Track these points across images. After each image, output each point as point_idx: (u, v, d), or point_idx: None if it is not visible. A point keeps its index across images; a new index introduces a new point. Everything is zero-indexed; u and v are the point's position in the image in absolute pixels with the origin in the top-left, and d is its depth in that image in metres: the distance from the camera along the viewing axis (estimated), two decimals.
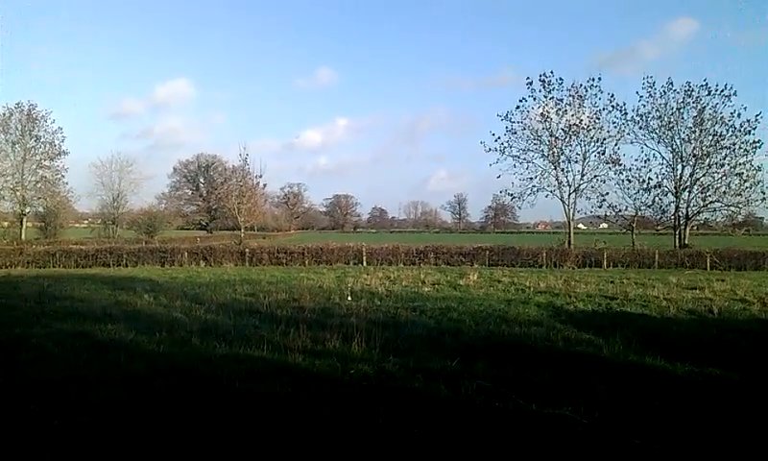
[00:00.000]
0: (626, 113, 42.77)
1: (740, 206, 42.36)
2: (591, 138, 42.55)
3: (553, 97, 42.44)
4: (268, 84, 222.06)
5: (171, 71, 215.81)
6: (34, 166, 56.09)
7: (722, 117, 41.01)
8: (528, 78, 42.90)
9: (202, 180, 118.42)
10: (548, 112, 42.52)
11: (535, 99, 42.90)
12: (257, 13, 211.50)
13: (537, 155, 43.63)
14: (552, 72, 42.64)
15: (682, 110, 41.92)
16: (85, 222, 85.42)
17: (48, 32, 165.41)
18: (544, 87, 42.47)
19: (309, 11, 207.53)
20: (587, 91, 42.16)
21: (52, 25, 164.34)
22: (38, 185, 56.57)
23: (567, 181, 43.58)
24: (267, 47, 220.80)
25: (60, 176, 57.84)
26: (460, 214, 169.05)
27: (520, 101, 43.25)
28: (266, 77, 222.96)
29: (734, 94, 40.64)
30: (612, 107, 42.47)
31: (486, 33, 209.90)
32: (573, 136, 42.61)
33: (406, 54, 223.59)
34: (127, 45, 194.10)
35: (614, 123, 42.73)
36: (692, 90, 41.43)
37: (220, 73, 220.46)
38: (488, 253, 34.76)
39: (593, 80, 42.26)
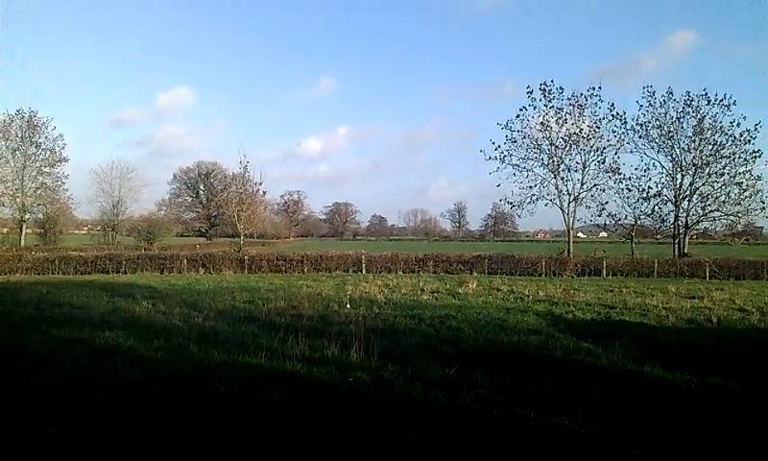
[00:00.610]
0: (626, 123, 42.79)
1: (740, 215, 42.38)
2: (591, 147, 42.57)
3: (553, 106, 42.52)
4: (269, 92, 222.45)
5: (172, 79, 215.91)
6: (34, 173, 56.29)
7: (722, 127, 41.07)
8: (528, 87, 43.01)
9: (202, 187, 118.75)
10: (548, 121, 42.55)
11: (535, 108, 42.98)
12: (259, 22, 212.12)
13: (536, 163, 43.62)
14: (552, 81, 42.71)
15: (681, 120, 42.00)
16: (85, 229, 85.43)
17: (49, 40, 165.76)
18: (545, 96, 42.55)
19: (311, 19, 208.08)
20: (587, 100, 42.24)
21: (53, 33, 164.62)
22: (38, 192, 56.72)
23: (567, 190, 43.59)
24: (268, 56, 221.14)
25: (60, 183, 58.15)
26: (459, 222, 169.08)
27: (520, 110, 43.32)
28: (267, 85, 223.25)
29: (734, 104, 40.73)
30: (612, 116, 42.51)
31: (487, 44, 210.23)
32: (573, 145, 42.62)
33: (407, 63, 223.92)
34: (128, 53, 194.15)
35: (614, 132, 42.74)
36: (692, 100, 41.51)
37: (221, 81, 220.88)
38: (487, 261, 34.76)
39: (593, 89, 42.40)
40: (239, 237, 48.55)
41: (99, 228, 73.25)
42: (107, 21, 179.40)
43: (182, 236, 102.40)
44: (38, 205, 57.51)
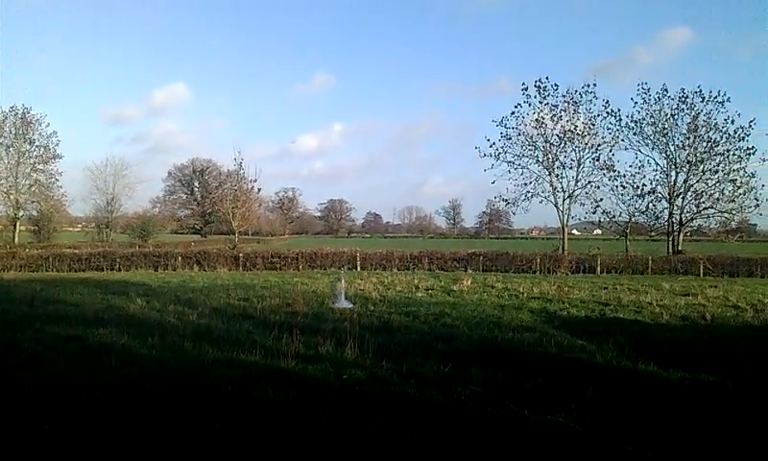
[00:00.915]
0: (620, 120, 43.02)
1: (734, 212, 42.59)
2: (586, 144, 42.70)
3: (548, 103, 42.65)
4: (265, 88, 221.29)
5: (168, 75, 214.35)
6: (28, 170, 56.07)
7: (716, 124, 41.29)
8: (524, 83, 43.17)
9: (196, 184, 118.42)
10: (543, 118, 42.68)
11: (530, 105, 43.13)
12: (256, 18, 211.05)
13: (531, 160, 43.72)
14: (547, 78, 42.88)
15: (676, 117, 42.21)
16: (79, 226, 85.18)
17: (44, 37, 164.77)
18: (540, 93, 42.67)
19: (306, 15, 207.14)
20: (581, 97, 42.43)
21: (48, 30, 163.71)
22: (32, 189, 56.54)
23: (562, 187, 43.70)
24: (265, 51, 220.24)
25: (54, 180, 57.91)
26: (454, 220, 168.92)
27: (516, 106, 43.44)
28: (263, 81, 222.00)
29: (728, 100, 40.91)
30: (607, 113, 42.70)
31: (484, 40, 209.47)
32: (568, 142, 42.73)
33: (404, 59, 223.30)
34: (124, 50, 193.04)
35: (609, 129, 42.96)
36: (686, 97, 41.71)
37: (217, 77, 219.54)
38: (482, 258, 34.80)
39: (588, 86, 42.56)
40: (234, 235, 48.57)
41: (93, 225, 72.97)
42: (103, 18, 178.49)
43: (177, 234, 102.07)
44: (32, 202, 57.33)
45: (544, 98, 42.64)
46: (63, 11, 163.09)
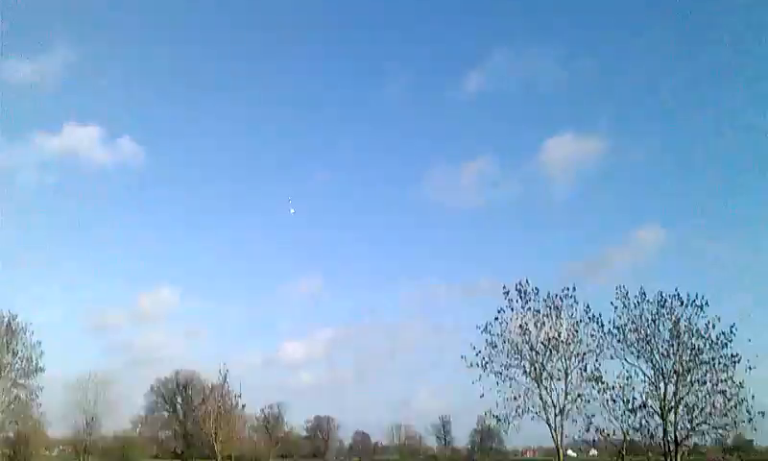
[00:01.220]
0: (603, 326, 41.10)
1: (728, 428, 40.72)
2: (572, 353, 41.36)
3: (530, 308, 41.46)
4: (250, 294, 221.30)
5: (152, 281, 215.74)
6: (8, 385, 53.19)
7: (698, 329, 39.97)
8: (504, 287, 42.61)
9: (179, 399, 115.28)
10: (526, 324, 41.70)
11: (513, 310, 41.92)
12: (241, 220, 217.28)
13: (519, 371, 41.84)
14: (527, 281, 42.24)
15: (657, 322, 40.87)
16: (56, 449, 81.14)
17: (28, 236, 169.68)
18: (521, 297, 41.59)
19: (292, 217, 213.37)
20: (562, 301, 41.51)
21: (32, 228, 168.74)
22: (11, 407, 53.73)
23: (552, 402, 41.97)
24: (250, 255, 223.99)
25: (34, 396, 55.20)
26: (445, 439, 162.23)
27: (498, 311, 42.05)
28: (249, 286, 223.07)
29: (707, 304, 40.28)
30: (589, 318, 41.19)
31: (465, 241, 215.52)
32: (553, 351, 41.61)
33: (392, 261, 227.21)
34: (106, 258, 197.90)
35: (593, 336, 41.22)
36: (665, 301, 40.76)
37: (203, 283, 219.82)
38: None
39: (568, 290, 42.09)
40: (216, 460, 46.80)
41: (71, 448, 69.57)
42: (87, 217, 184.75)
43: (157, 458, 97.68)
44: (10, 422, 54.21)
45: (526, 302, 41.54)
46: (40, 209, 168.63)
